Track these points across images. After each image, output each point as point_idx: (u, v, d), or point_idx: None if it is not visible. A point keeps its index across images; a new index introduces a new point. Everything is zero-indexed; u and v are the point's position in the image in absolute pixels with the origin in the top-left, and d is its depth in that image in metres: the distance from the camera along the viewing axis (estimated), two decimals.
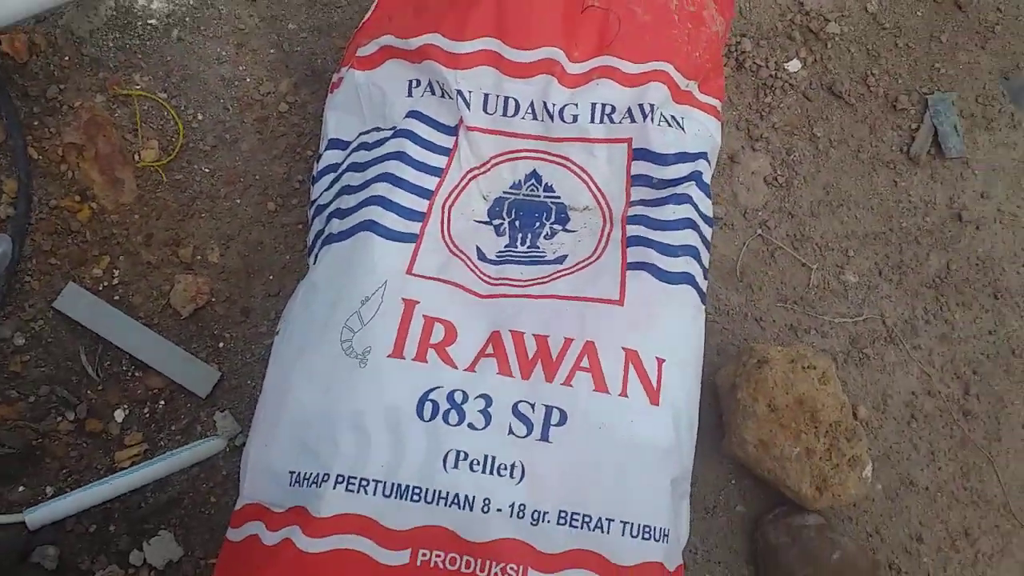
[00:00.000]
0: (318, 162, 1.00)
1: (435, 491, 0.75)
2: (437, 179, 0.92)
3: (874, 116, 1.19)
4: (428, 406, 0.78)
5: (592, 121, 0.94)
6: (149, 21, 1.16)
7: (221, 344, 1.09)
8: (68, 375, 1.06)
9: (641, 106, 0.94)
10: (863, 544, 1.05)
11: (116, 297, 1.09)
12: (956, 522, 1.07)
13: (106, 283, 1.10)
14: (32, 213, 1.09)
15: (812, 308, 1.12)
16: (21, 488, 1.03)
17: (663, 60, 0.95)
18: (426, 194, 0.91)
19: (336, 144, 0.99)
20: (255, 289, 1.11)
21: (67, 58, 1.13)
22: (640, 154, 0.94)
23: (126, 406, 1.06)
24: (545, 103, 0.93)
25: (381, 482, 0.76)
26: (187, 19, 1.16)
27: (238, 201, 1.13)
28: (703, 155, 0.96)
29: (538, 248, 0.93)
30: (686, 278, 0.89)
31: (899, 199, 1.17)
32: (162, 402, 1.07)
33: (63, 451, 1.04)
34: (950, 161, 1.18)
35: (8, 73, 1.12)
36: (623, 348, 0.83)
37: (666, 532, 0.79)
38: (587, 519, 0.77)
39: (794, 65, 1.20)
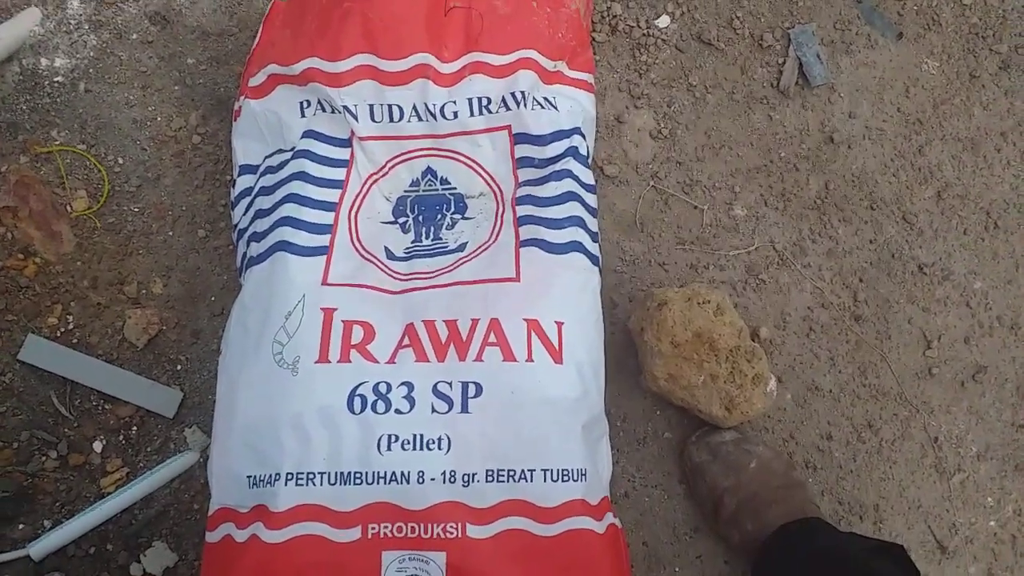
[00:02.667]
0: (233, 187, 1.09)
1: (374, 472, 0.87)
2: (339, 191, 1.01)
3: (743, 57, 1.28)
4: (357, 400, 0.89)
5: (472, 115, 1.03)
6: (55, 79, 1.22)
7: (179, 367, 1.19)
8: (44, 418, 1.16)
9: (513, 94, 1.02)
10: (779, 449, 1.17)
11: (75, 340, 1.18)
12: (860, 417, 1.20)
13: (62, 329, 1.18)
14: None
15: (708, 245, 1.23)
16: (21, 526, 1.13)
17: (527, 48, 1.03)
18: (330, 207, 1.00)
19: (247, 169, 1.08)
20: (200, 312, 1.20)
21: None
22: (520, 138, 1.03)
23: (102, 437, 1.16)
24: (426, 104, 1.02)
25: (325, 473, 0.87)
26: (91, 71, 1.23)
27: (170, 233, 1.21)
28: (577, 130, 1.05)
29: (441, 239, 1.02)
30: (574, 246, 0.99)
31: (775, 131, 1.26)
32: (134, 428, 1.17)
33: (52, 486, 1.15)
34: (817, 88, 1.27)
35: None
36: (524, 320, 0.93)
37: (583, 471, 0.91)
38: (511, 473, 0.88)
39: (664, 21, 1.28)
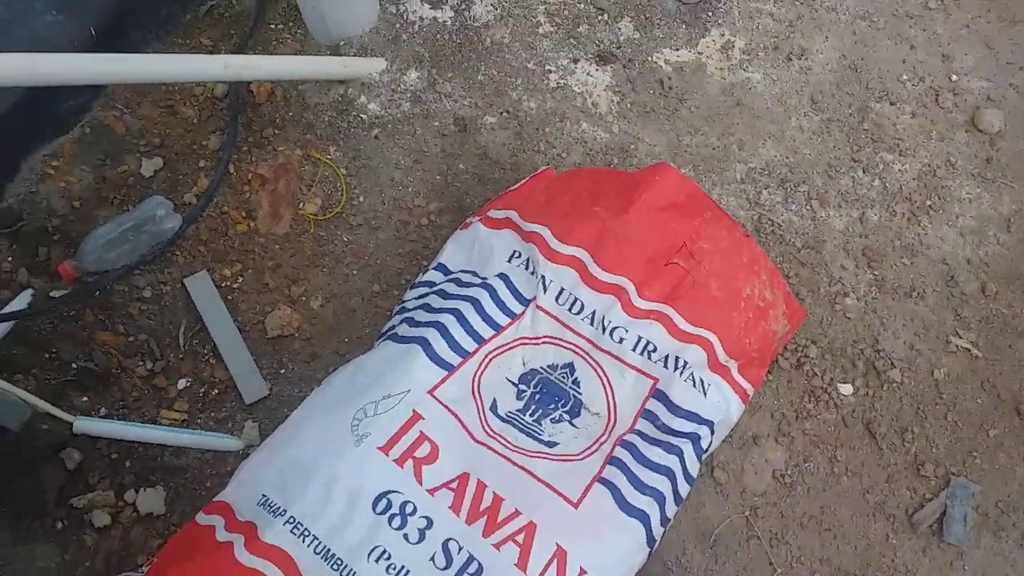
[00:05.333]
0: (422, 274, 1.22)
1: (352, 571, 0.90)
2: (493, 332, 1.10)
3: (896, 468, 1.27)
4: (383, 502, 0.94)
5: (634, 350, 1.10)
6: (360, 115, 1.45)
7: (282, 371, 1.30)
8: (164, 336, 1.31)
9: (678, 358, 1.09)
10: None
11: (230, 297, 1.34)
12: None
13: (229, 284, 1.35)
14: (206, 209, 1.37)
15: None
16: (85, 398, 1.26)
17: (713, 331, 1.10)
18: (479, 339, 1.09)
19: (441, 268, 1.21)
20: (330, 344, 1.32)
21: (290, 114, 1.44)
22: (659, 395, 1.09)
23: (190, 380, 1.29)
24: (604, 316, 1.10)
25: (319, 541, 0.91)
26: (388, 126, 1.45)
27: (354, 272, 1.36)
28: (711, 424, 1.09)
29: (540, 426, 1.08)
30: (642, 516, 1.01)
31: (884, 553, 1.22)
32: (215, 391, 1.28)
33: (129, 388, 1.27)
34: (946, 545, 1.23)
35: (245, 105, 1.43)
36: (556, 543, 0.95)
37: None
38: None
39: (846, 389, 1.31)
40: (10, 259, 1.34)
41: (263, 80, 1.36)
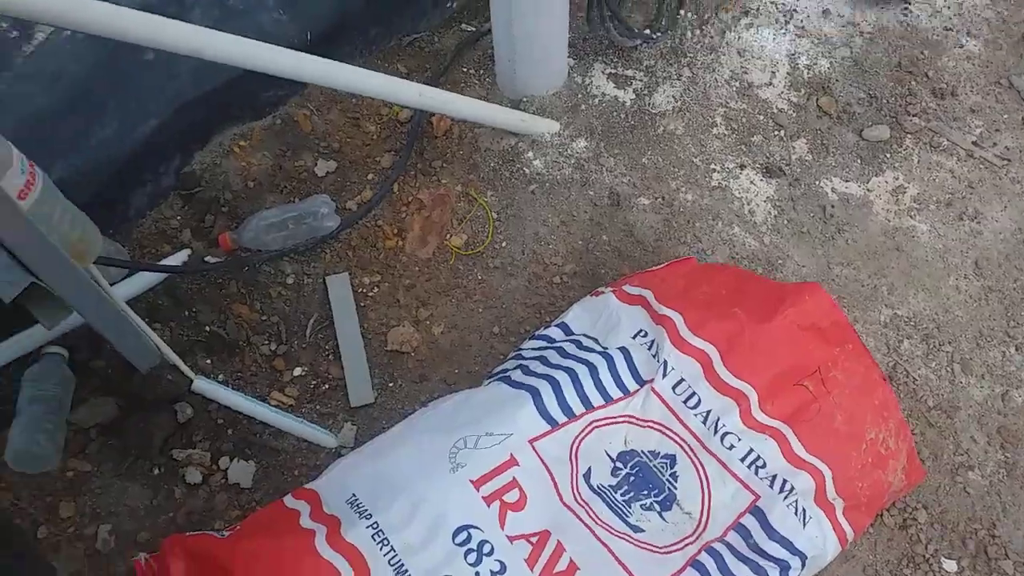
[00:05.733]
0: (543, 328, 1.25)
1: None
2: (604, 402, 1.11)
3: None
4: (464, 534, 0.95)
5: (741, 460, 1.08)
6: (524, 168, 1.51)
7: (391, 384, 1.34)
8: (294, 323, 1.38)
9: (785, 481, 1.06)
10: None
11: (362, 304, 1.40)
12: None
13: (364, 291, 1.41)
14: (364, 218, 1.45)
15: None
16: (208, 361, 1.34)
17: (826, 464, 1.07)
18: (588, 404, 1.10)
19: (564, 328, 1.23)
20: (441, 370, 1.35)
21: (461, 152, 1.52)
22: (757, 513, 1.06)
23: (305, 370, 1.34)
24: (719, 420, 1.09)
25: (396, 554, 0.93)
26: (547, 184, 1.50)
27: (480, 310, 1.40)
28: (804, 556, 1.04)
29: (629, 508, 1.07)
30: None
31: None
32: (326, 386, 1.33)
33: (249, 362, 1.34)
34: None
35: (423, 134, 1.52)
36: None
37: None
38: None
39: (951, 566, 1.23)
40: (179, 218, 1.46)
41: (449, 115, 1.44)
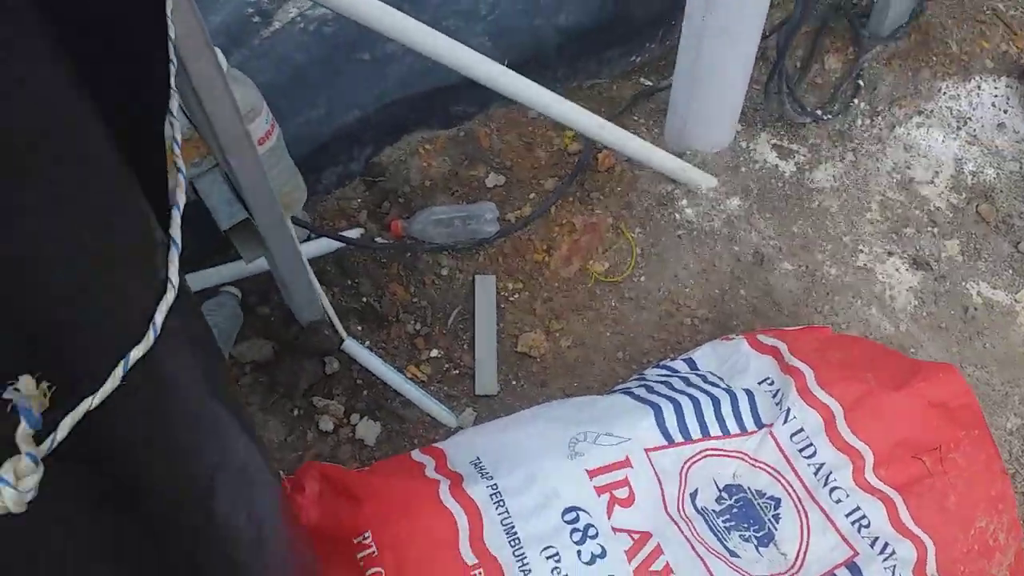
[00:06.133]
0: (669, 360, 1.31)
1: (524, 555, 0.98)
2: (721, 434, 1.16)
3: None
4: (572, 514, 1.01)
5: (847, 516, 1.10)
6: (675, 214, 1.59)
7: (514, 383, 1.43)
8: (439, 310, 1.50)
9: (887, 545, 1.07)
10: None
11: (502, 305, 1.51)
12: None
13: (506, 295, 1.52)
14: (519, 231, 1.57)
15: None
16: (359, 327, 1.47)
17: (934, 539, 1.07)
18: (705, 432, 1.15)
19: (689, 362, 1.29)
20: (561, 381, 1.43)
21: (619, 189, 1.62)
22: (853, 569, 1.07)
23: (441, 353, 1.46)
24: (831, 474, 1.12)
25: (509, 515, 1.01)
26: (694, 233, 1.58)
27: (608, 334, 1.48)
28: None
29: (729, 534, 1.10)
30: None
31: None
32: (456, 372, 1.44)
33: (394, 336, 1.47)
34: None
35: (587, 167, 1.64)
36: None
37: None
38: None
39: None
40: (359, 200, 1.62)
41: (620, 151, 1.55)
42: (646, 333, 1.48)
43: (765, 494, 1.14)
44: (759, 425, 1.17)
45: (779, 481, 1.14)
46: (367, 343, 1.46)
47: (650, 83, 1.84)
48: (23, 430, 0.42)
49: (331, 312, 1.40)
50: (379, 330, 1.48)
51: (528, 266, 1.55)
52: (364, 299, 1.50)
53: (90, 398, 0.47)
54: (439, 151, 1.67)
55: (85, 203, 0.45)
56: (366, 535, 0.99)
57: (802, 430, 1.15)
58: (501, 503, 1.01)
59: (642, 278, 1.54)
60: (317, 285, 1.38)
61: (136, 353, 0.50)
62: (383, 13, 1.16)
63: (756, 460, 1.16)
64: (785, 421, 1.15)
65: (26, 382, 0.43)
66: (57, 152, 0.42)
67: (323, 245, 1.51)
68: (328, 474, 1.08)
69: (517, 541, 0.98)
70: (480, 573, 0.96)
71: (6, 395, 0.42)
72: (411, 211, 1.59)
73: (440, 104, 1.68)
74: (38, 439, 0.43)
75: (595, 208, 1.61)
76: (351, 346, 1.41)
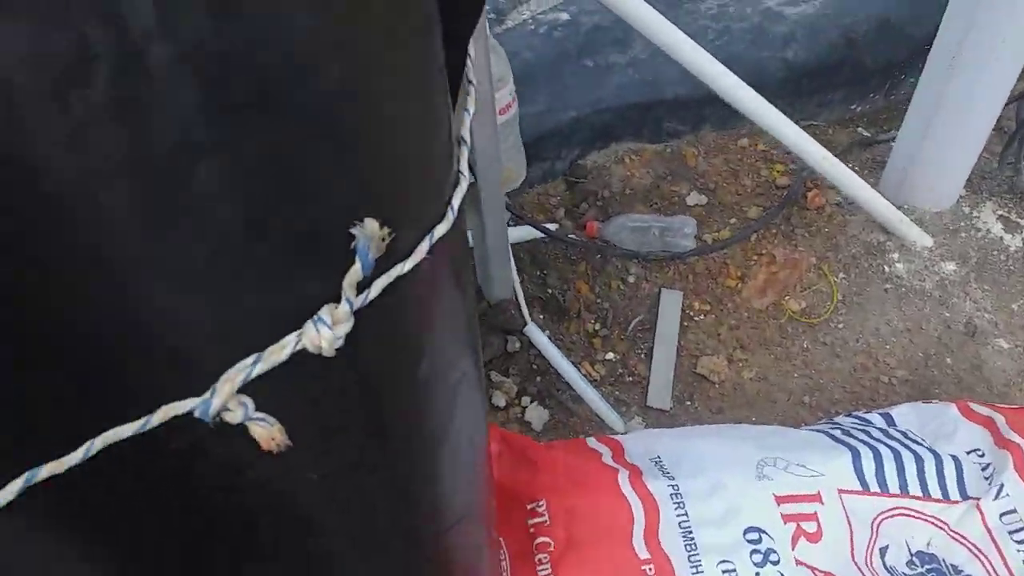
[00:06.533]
0: (863, 412, 1.23)
1: (698, 561, 0.93)
2: (920, 495, 1.07)
3: None
4: (755, 534, 0.96)
5: None
6: (884, 266, 1.51)
7: (687, 403, 1.39)
8: (620, 315, 1.48)
9: None
10: None
11: (685, 324, 1.47)
12: None
13: (691, 314, 1.49)
14: (716, 252, 1.54)
15: None
16: (541, 316, 1.48)
17: None
18: (904, 489, 1.06)
19: (886, 417, 1.21)
20: (738, 412, 1.38)
21: (826, 230, 1.56)
22: None
23: (617, 357, 1.44)
24: None
25: (688, 519, 0.97)
26: (902, 290, 1.49)
27: (795, 376, 1.41)
28: None
29: None
30: None
31: None
32: (630, 379, 1.42)
33: (573, 331, 1.47)
34: None
35: (795, 203, 1.58)
36: None
37: None
38: None
39: None
40: (559, 198, 1.64)
41: (840, 187, 1.50)
42: (838, 383, 1.40)
43: (962, 571, 1.03)
44: (964, 496, 1.07)
45: (979, 559, 1.04)
46: (546, 332, 1.46)
47: (868, 134, 1.77)
48: (354, 273, 0.43)
49: (520, 293, 1.41)
50: (559, 322, 1.48)
51: (719, 289, 1.51)
52: (549, 290, 1.51)
53: (401, 264, 0.49)
54: (644, 163, 1.67)
55: (427, 86, 0.47)
56: (540, 503, 0.97)
57: (1015, 511, 1.04)
58: (681, 504, 0.97)
59: (840, 325, 1.46)
60: (513, 265, 1.40)
61: (440, 230, 0.51)
62: (646, 12, 1.18)
63: (956, 533, 1.06)
64: (996, 497, 1.05)
65: (370, 223, 0.44)
66: (415, 29, 0.43)
67: (522, 232, 1.54)
68: (508, 438, 1.08)
69: (693, 546, 0.94)
70: (651, 569, 0.92)
71: (352, 230, 0.43)
72: (607, 216, 1.59)
73: (652, 118, 1.68)
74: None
75: (799, 244, 1.56)
76: (532, 331, 1.42)
